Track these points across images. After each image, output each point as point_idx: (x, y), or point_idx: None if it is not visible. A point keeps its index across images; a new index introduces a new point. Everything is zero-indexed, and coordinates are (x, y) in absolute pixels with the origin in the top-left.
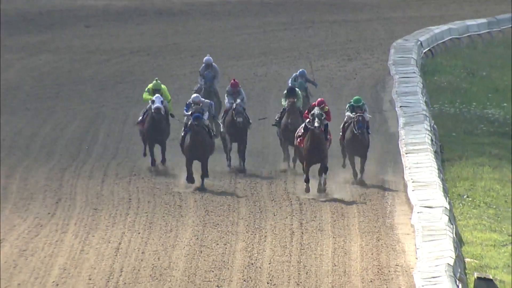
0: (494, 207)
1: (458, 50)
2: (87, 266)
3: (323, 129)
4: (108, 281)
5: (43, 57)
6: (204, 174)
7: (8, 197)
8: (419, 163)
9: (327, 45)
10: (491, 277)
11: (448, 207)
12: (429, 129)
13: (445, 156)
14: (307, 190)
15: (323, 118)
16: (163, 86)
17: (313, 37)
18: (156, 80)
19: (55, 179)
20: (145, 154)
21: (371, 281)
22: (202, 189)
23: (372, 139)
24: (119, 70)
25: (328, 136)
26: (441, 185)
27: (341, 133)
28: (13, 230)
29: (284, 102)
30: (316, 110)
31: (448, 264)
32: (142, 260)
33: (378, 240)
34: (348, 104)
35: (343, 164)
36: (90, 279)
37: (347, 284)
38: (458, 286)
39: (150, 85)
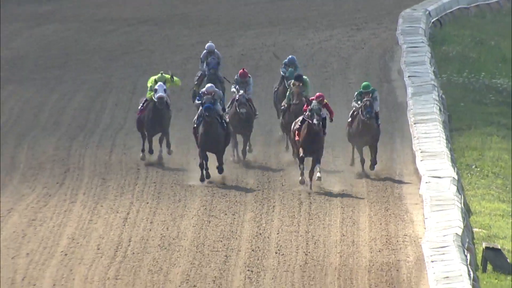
0: (502, 177)
1: (467, 20)
2: (95, 236)
3: (321, 124)
4: (116, 251)
5: (50, 27)
6: (220, 166)
7: (16, 167)
8: (427, 133)
9: (335, 15)
10: (499, 247)
11: (456, 177)
12: (437, 99)
13: (453, 126)
14: (302, 181)
15: (322, 113)
16: (167, 76)
17: (321, 7)
18: (161, 73)
19: (63, 149)
20: (143, 150)
21: (379, 251)
22: (223, 179)
23: (380, 112)
24: (127, 40)
25: (326, 131)
26: (449, 155)
27: (349, 121)
28: (21, 200)
29: (289, 90)
30: (314, 105)
31: (456, 234)
32: (150, 230)
33: (387, 210)
34: (356, 92)
35: (351, 162)
36: (98, 248)
37: (355, 254)
38: (466, 256)
39: (151, 79)
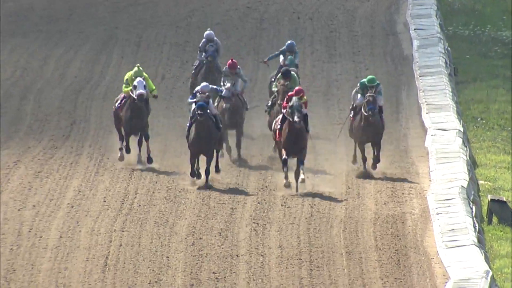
0: (508, 129)
1: None
2: (102, 188)
3: (302, 121)
4: (122, 203)
5: None
6: (207, 169)
7: (22, 119)
8: (433, 86)
9: None
10: (504, 199)
11: (461, 129)
12: (443, 52)
13: (459, 78)
14: (287, 185)
15: (302, 109)
16: (145, 73)
17: None
18: (138, 67)
19: (69, 101)
20: (121, 149)
21: (384, 204)
22: (208, 186)
23: (386, 65)
24: None
25: (309, 129)
26: (455, 108)
27: (351, 116)
28: (27, 152)
29: (275, 87)
30: (294, 102)
31: (462, 186)
32: (156, 182)
33: (392, 163)
34: (359, 83)
35: (352, 160)
36: (105, 201)
37: (361, 207)
38: (471, 208)
39: (129, 73)
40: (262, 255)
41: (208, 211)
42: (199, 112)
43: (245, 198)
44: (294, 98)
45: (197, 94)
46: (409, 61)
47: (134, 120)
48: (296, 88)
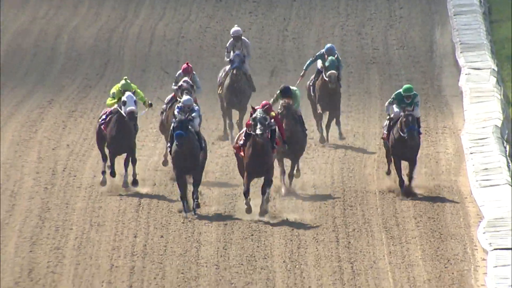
0: None
1: None
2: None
3: (268, 136)
4: (156, 143)
5: None
6: (195, 192)
7: (56, 58)
8: (467, 25)
9: None
10: None
11: (496, 68)
12: None
13: (493, 17)
14: (248, 210)
15: (267, 123)
16: (133, 85)
17: None
18: (125, 79)
19: (103, 40)
20: (104, 172)
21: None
22: (196, 209)
23: (420, 4)
24: None
25: (275, 146)
26: (489, 47)
27: (385, 132)
28: (62, 91)
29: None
30: (258, 114)
31: (496, 125)
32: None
33: (426, 103)
34: (394, 94)
35: (387, 170)
36: (138, 140)
37: None
38: (505, 148)
39: (116, 86)
40: (295, 195)
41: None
42: (176, 143)
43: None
44: (258, 110)
45: (182, 109)
46: (444, 0)
47: (121, 139)
48: (263, 102)
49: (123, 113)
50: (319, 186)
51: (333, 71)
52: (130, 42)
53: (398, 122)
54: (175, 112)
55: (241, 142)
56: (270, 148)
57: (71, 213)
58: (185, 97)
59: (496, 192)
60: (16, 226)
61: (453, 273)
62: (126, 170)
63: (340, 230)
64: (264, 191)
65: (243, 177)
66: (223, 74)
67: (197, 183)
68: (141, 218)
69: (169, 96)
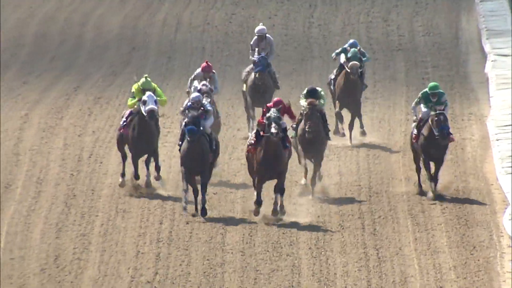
0: None
1: None
2: (160, 113)
3: (281, 136)
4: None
5: None
6: (203, 198)
7: (82, 45)
8: (493, 11)
9: None
10: None
11: None
12: None
13: None
14: (256, 213)
15: (281, 122)
16: (153, 84)
17: None
18: (146, 77)
19: (129, 28)
20: (124, 174)
21: None
22: (203, 213)
23: None
24: None
25: (288, 145)
26: None
27: (414, 133)
28: (88, 79)
29: (304, 102)
30: (272, 113)
31: None
32: None
33: (452, 89)
34: (420, 94)
35: (418, 183)
36: (164, 127)
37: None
38: None
39: (136, 85)
40: (321, 181)
41: None
42: (188, 138)
43: None
44: (272, 110)
45: (190, 108)
46: None
47: (142, 140)
48: (275, 99)
49: (144, 112)
50: (344, 173)
51: (355, 62)
52: (155, 30)
53: (429, 120)
54: (185, 110)
55: (252, 141)
56: (283, 149)
57: (97, 200)
58: (194, 94)
59: None
60: (42, 213)
61: (478, 260)
62: (148, 169)
63: (365, 217)
64: (276, 192)
65: (253, 182)
66: (247, 73)
67: (204, 185)
68: (166, 204)
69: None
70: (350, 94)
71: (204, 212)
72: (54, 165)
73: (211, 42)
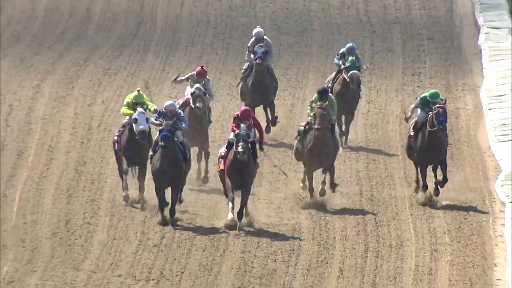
0: None
1: None
2: (167, 84)
3: (247, 154)
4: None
5: None
6: (173, 206)
7: (91, 18)
8: None
9: None
10: None
11: None
12: None
13: None
14: (228, 224)
15: (249, 140)
16: (145, 97)
17: None
18: (138, 91)
19: (137, 1)
20: (126, 188)
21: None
22: (174, 223)
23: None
24: None
25: (257, 160)
26: (508, 6)
27: (411, 133)
28: (96, 50)
29: (311, 110)
30: (241, 130)
31: None
32: (220, 80)
33: (446, 61)
34: (419, 98)
35: (415, 187)
36: (170, 97)
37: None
38: None
39: (130, 96)
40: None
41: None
42: (162, 144)
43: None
44: (242, 126)
45: (163, 114)
46: None
47: (132, 151)
48: (243, 108)
49: (135, 130)
50: (342, 141)
51: (355, 71)
52: (162, 3)
53: (428, 118)
54: (153, 120)
55: (222, 153)
56: (251, 164)
57: (106, 167)
58: (168, 102)
59: None
60: (53, 179)
61: (472, 224)
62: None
63: (363, 183)
64: (241, 203)
65: (224, 189)
66: (244, 71)
67: (175, 197)
68: None
69: (181, 101)
70: (346, 103)
71: (172, 212)
72: (65, 133)
73: (215, 15)
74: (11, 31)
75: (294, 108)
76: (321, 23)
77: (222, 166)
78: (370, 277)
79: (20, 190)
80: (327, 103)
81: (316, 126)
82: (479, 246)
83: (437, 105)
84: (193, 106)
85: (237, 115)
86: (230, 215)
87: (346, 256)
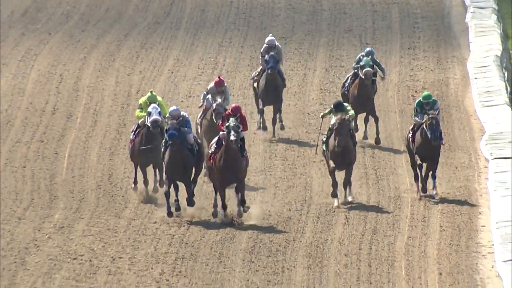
0: None
1: None
2: (196, 58)
3: (239, 145)
4: (214, 70)
5: None
6: (190, 198)
7: None
8: None
9: None
10: None
11: (496, 7)
12: None
13: None
14: (215, 214)
15: (240, 130)
16: (159, 98)
17: None
18: (151, 92)
19: None
20: (136, 182)
21: (431, 70)
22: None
23: None
24: None
25: (245, 153)
26: None
27: (410, 135)
28: (135, 27)
29: (328, 115)
30: (231, 122)
31: (496, 55)
32: (241, 53)
33: (438, 36)
34: (416, 104)
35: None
36: (199, 67)
37: (412, 72)
38: (504, 74)
39: (143, 99)
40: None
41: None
42: (170, 142)
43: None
44: (232, 119)
45: (168, 119)
46: None
47: (149, 149)
48: (233, 105)
49: (148, 123)
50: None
51: (369, 69)
52: None
53: (423, 124)
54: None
55: (212, 150)
56: (240, 156)
57: None
58: (172, 107)
59: (496, 111)
60: (98, 139)
61: (460, 178)
62: (155, 175)
63: (365, 142)
64: (238, 202)
65: (215, 189)
66: (257, 73)
67: (190, 190)
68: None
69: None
70: (363, 101)
71: (190, 202)
72: (107, 99)
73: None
74: (62, 11)
75: (306, 77)
76: (329, 3)
77: (211, 162)
78: (372, 224)
79: (69, 148)
80: (349, 114)
81: (337, 144)
82: (466, 197)
83: (430, 116)
84: (215, 121)
85: (228, 112)
86: (221, 211)
87: (351, 206)
